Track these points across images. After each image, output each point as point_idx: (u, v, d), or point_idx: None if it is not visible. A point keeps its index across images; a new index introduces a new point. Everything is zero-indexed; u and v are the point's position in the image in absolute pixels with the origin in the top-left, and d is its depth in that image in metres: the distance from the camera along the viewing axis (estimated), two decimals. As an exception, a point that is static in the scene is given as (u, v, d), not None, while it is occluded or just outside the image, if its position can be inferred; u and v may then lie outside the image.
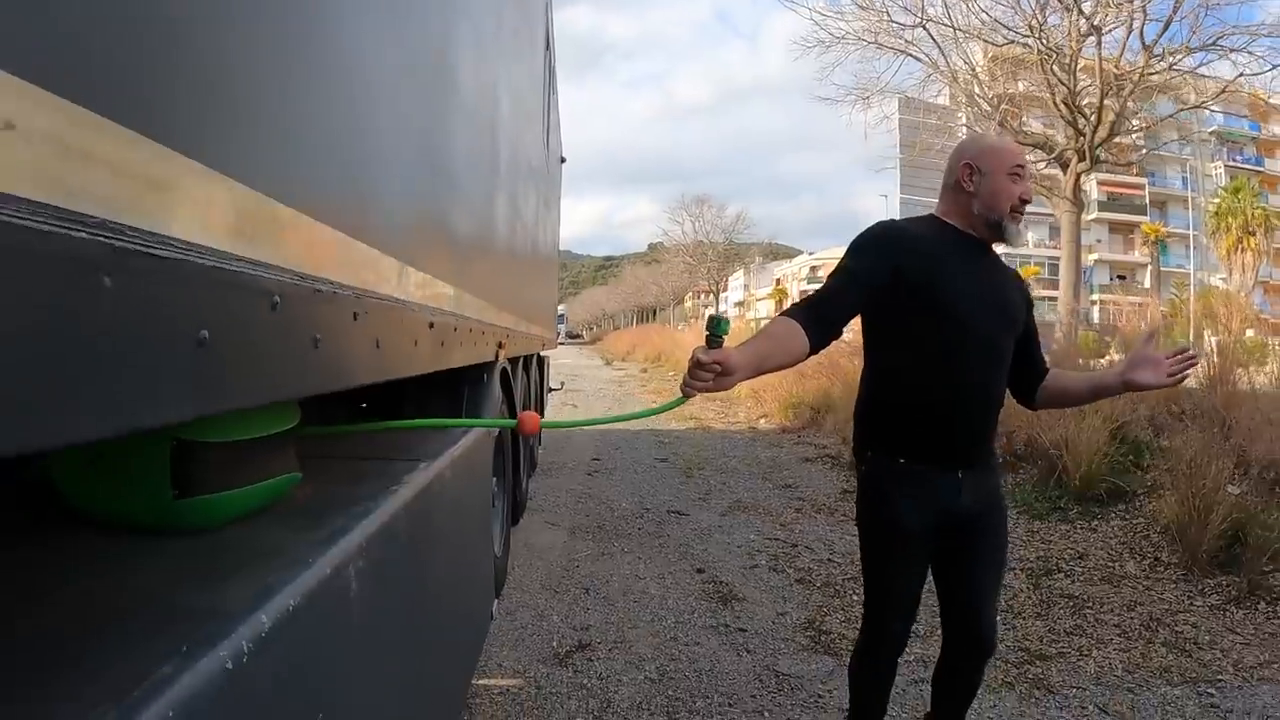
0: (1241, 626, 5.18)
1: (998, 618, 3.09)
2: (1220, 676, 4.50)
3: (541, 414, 9.23)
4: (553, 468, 9.44)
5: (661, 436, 12.56)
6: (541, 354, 8.97)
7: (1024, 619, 5.25)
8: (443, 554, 2.24)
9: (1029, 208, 2.83)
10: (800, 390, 14.73)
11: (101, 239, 0.73)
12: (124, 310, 0.77)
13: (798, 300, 2.72)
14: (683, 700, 3.92)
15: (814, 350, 2.58)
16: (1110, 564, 6.24)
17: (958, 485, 2.78)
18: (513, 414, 4.90)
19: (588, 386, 21.59)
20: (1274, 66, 14.78)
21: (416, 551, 1.90)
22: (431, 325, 2.21)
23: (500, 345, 3.95)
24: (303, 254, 1.26)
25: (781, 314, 2.62)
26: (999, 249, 2.87)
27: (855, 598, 5.39)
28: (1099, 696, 4.18)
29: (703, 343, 2.22)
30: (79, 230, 0.70)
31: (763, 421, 14.85)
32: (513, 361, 5.25)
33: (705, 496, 8.44)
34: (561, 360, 32.10)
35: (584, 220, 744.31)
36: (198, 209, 0.92)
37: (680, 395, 2.33)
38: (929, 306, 2.70)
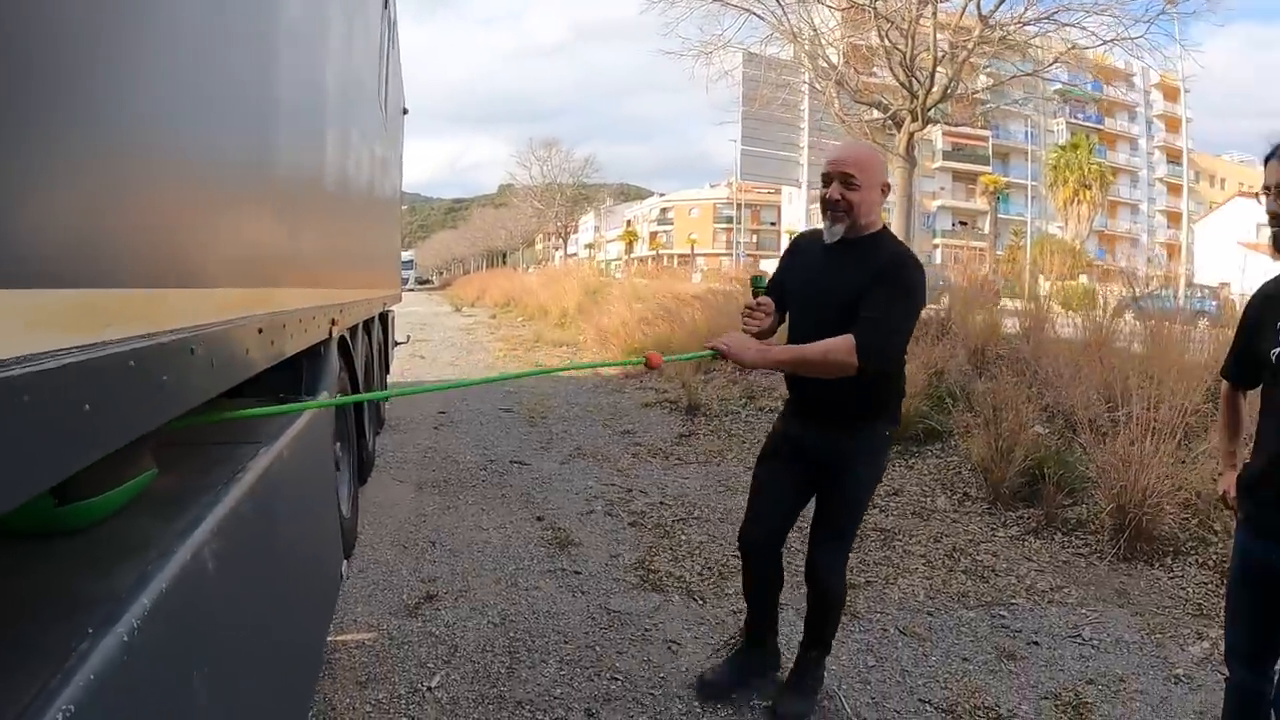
0: (1037, 555, 5.72)
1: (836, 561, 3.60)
2: (1014, 600, 5.00)
3: (386, 370, 9.30)
4: (400, 423, 9.51)
5: (508, 386, 12.58)
6: (386, 310, 8.95)
7: (837, 552, 5.71)
8: (289, 526, 2.45)
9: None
10: (642, 336, 14.91)
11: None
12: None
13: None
14: (523, 640, 4.23)
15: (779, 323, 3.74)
16: (922, 499, 6.74)
17: (804, 427, 3.63)
18: (354, 382, 5.11)
19: (436, 336, 21.42)
20: (1104, 42, 15.48)
21: (265, 527, 2.13)
22: (261, 330, 2.39)
23: (334, 322, 4.02)
24: (150, 315, 1.53)
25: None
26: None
27: (683, 538, 5.83)
28: (900, 620, 4.63)
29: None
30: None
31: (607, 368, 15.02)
32: (352, 328, 5.36)
33: (547, 445, 8.68)
34: (411, 309, 31.32)
35: (434, 163, 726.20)
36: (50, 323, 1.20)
37: (709, 350, 3.35)
38: (789, 296, 3.66)
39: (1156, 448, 5.79)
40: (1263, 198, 2.74)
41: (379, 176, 6.76)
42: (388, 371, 9.51)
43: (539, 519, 6.16)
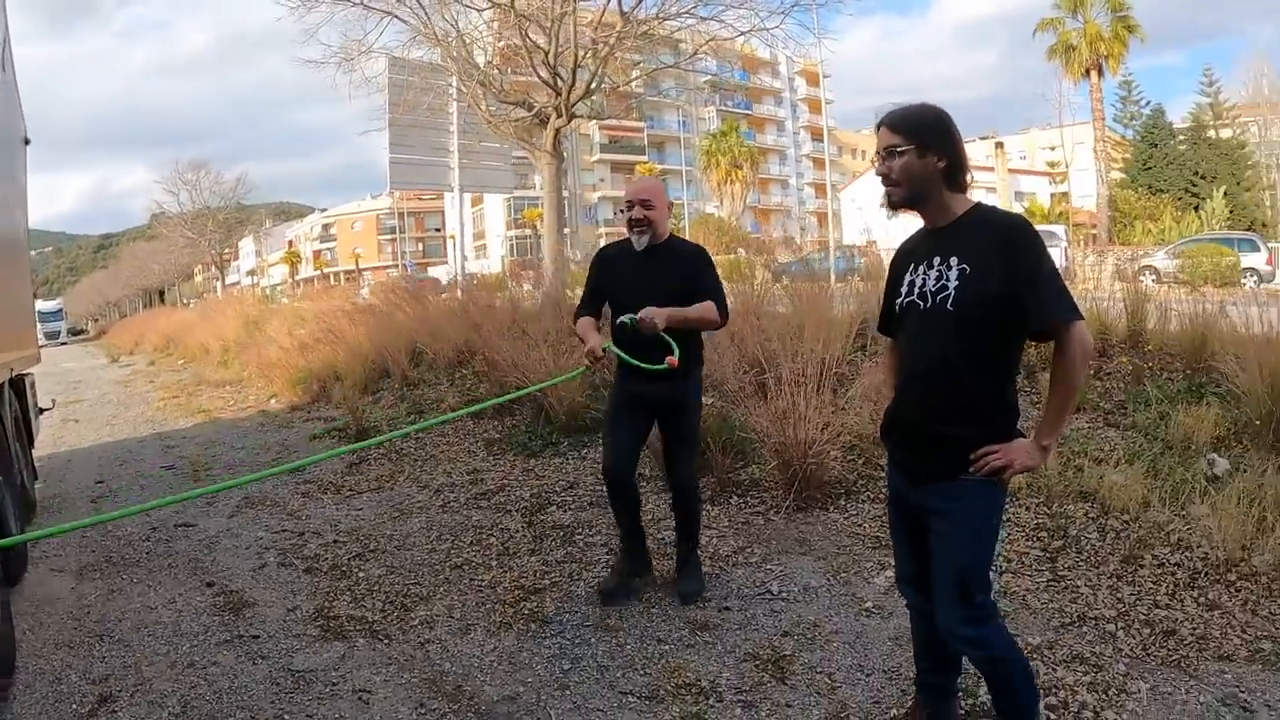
0: (716, 521, 6.02)
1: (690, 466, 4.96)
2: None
3: (30, 444, 8.41)
4: (54, 503, 8.61)
5: (168, 440, 11.91)
6: (21, 375, 7.86)
7: (519, 558, 5.73)
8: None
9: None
10: (305, 363, 14.68)
11: None
12: None
13: None
14: (208, 726, 3.91)
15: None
16: (597, 488, 6.81)
17: (646, 384, 4.66)
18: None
19: (90, 394, 19.62)
20: (742, 34, 16.28)
21: None
22: None
23: None
24: None
25: None
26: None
27: (361, 575, 5.68)
28: (590, 616, 4.73)
29: None
30: None
31: (273, 402, 14.56)
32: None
33: (213, 499, 8.07)
34: (61, 366, 29.45)
35: (78, 195, 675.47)
36: None
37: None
38: (619, 294, 4.85)
39: (809, 400, 6.17)
40: (875, 161, 3.06)
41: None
42: (32, 445, 8.59)
43: (210, 585, 5.74)
